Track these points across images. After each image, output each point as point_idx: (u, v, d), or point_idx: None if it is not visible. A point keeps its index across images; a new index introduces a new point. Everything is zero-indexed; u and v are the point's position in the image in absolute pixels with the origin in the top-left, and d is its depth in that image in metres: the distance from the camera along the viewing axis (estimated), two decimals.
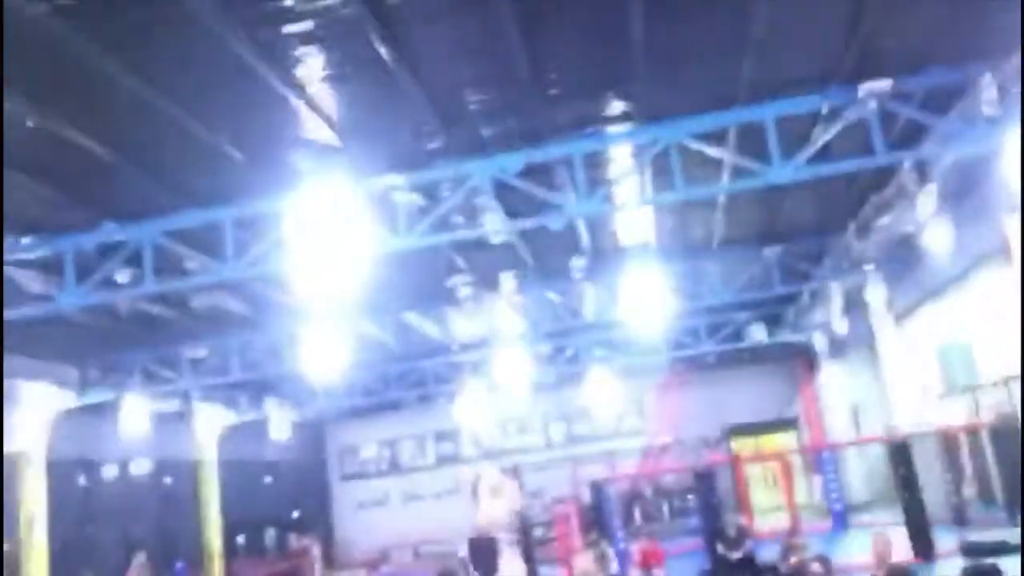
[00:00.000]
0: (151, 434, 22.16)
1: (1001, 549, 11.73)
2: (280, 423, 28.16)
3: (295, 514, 28.72)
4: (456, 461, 31.32)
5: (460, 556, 10.45)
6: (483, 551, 10.46)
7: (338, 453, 32.05)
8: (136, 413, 18.51)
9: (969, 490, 17.14)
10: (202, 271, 11.45)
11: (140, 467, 22.82)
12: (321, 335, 17.30)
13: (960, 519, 15.48)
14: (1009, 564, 10.83)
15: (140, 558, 15.37)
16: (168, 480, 23.95)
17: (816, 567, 6.42)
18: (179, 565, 14.19)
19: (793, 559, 10.88)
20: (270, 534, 27.66)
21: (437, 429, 31.36)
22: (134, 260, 11.02)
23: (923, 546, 12.11)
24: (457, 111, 9.96)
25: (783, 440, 28.72)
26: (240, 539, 25.84)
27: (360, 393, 23.79)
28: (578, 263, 16.18)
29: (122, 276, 11.15)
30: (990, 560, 9.01)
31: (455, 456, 31.48)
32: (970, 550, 11.89)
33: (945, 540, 12.40)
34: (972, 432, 17.25)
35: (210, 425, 24.63)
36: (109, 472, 21.94)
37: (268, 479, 28.35)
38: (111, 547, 20.80)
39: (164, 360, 18.29)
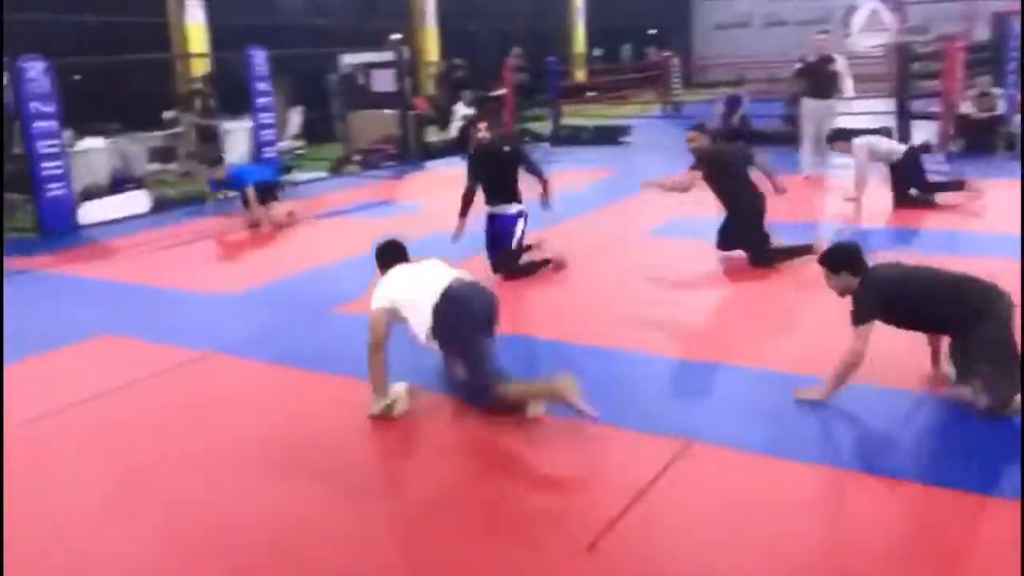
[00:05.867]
0: None
1: None
2: None
3: (652, 31, 28.76)
4: None
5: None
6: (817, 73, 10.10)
7: None
8: None
9: None
10: None
11: None
12: None
13: None
14: None
15: (516, 50, 16.64)
16: None
17: None
18: (551, 59, 15.22)
19: None
20: (626, 48, 28.29)
21: None
22: None
23: None
24: None
25: None
26: (596, 51, 26.78)
27: None
28: None
29: None
30: None
31: None
32: None
33: None
34: None
35: None
36: None
37: None
38: (492, 39, 22.74)
39: None
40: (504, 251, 6.33)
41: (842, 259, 3.95)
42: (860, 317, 3.79)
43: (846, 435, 3.83)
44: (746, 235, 6.39)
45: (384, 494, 3.50)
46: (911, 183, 8.06)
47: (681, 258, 6.81)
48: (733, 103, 13.38)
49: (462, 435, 3.93)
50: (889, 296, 3.80)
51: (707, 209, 6.84)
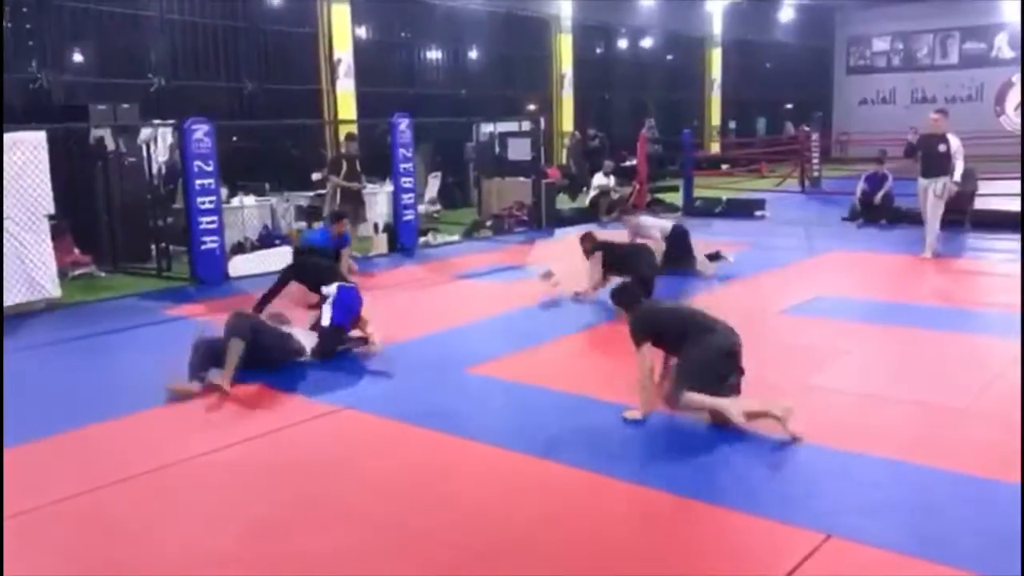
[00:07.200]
0: (659, 10, 22.87)
1: None
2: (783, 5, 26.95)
3: (789, 105, 28.38)
4: (983, 64, 27.66)
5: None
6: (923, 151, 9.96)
7: (846, 43, 30.04)
8: None
9: None
10: None
11: (647, 42, 23.91)
12: None
13: None
14: None
15: (650, 121, 16.73)
16: (670, 57, 24.92)
17: None
18: (686, 132, 15.18)
19: None
20: (761, 121, 27.98)
21: (967, 24, 27.50)
22: None
23: None
24: None
25: None
26: (731, 123, 26.60)
27: None
28: None
29: None
30: None
31: (983, 58, 27.71)
32: None
33: None
34: None
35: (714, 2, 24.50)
36: (622, 43, 23.44)
37: (768, 64, 28.04)
38: (626, 109, 23.01)
39: None
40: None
41: (622, 298, 5.20)
42: (635, 341, 4.79)
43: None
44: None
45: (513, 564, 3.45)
46: (682, 251, 9.37)
47: (810, 339, 6.53)
48: (875, 180, 12.94)
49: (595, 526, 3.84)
50: (643, 324, 4.87)
51: (853, 289, 6.57)
